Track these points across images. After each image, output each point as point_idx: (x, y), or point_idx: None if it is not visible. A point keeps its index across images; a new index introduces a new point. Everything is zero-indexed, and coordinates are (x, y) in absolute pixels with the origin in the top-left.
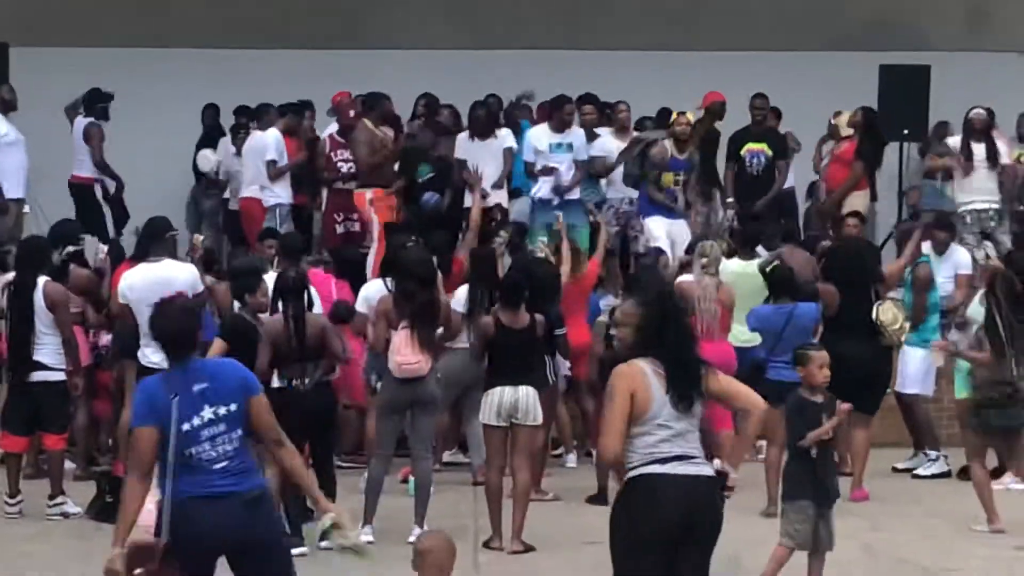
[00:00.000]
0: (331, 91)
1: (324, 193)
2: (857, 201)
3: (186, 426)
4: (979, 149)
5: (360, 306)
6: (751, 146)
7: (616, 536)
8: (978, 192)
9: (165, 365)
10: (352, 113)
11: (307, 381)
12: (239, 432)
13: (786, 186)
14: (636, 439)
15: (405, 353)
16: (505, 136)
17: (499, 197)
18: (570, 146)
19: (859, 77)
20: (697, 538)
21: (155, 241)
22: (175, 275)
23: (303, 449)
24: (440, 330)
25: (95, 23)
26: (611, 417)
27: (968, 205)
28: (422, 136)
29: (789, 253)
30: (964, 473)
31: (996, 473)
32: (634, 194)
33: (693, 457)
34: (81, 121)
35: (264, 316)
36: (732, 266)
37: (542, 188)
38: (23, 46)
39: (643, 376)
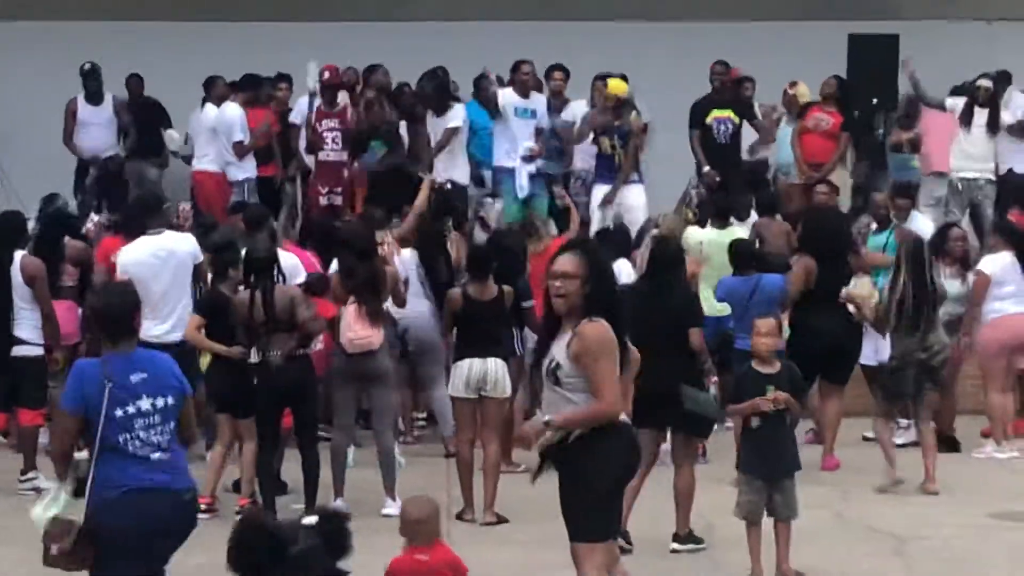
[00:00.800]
0: (301, 63)
1: (313, 164)
2: (836, 172)
3: (119, 412)
4: (981, 116)
5: None
6: (717, 113)
7: (605, 478)
8: (972, 159)
9: (167, 339)
10: (327, 75)
11: (278, 354)
12: (172, 425)
13: (759, 157)
14: None
15: (356, 328)
16: (452, 115)
17: (457, 174)
18: (534, 112)
19: (828, 46)
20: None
21: (151, 214)
22: (177, 246)
23: (279, 422)
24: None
25: None
26: (611, 376)
27: (959, 172)
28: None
29: (765, 224)
30: (944, 444)
31: (949, 443)
32: None
33: None
34: None
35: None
36: (706, 235)
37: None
38: None
39: (613, 337)
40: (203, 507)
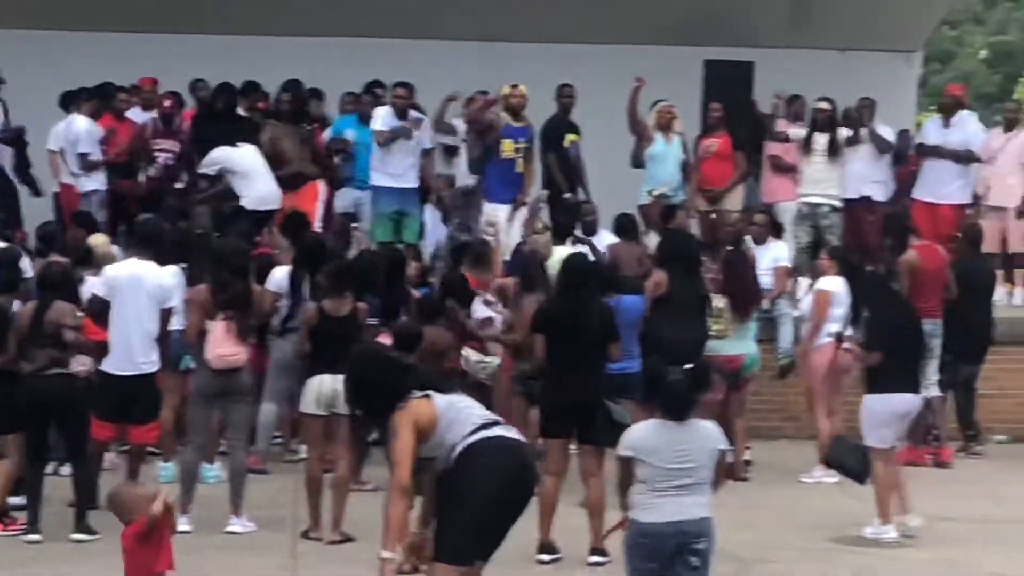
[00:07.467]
0: (178, 75)
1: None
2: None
3: None
4: (821, 141)
5: None
6: (571, 136)
7: (482, 497)
8: (815, 184)
9: None
10: (167, 104)
11: (34, 369)
12: None
13: None
14: None
15: (225, 345)
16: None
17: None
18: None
19: (684, 72)
20: None
21: None
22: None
23: (44, 438)
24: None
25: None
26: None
27: (805, 198)
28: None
29: (618, 247)
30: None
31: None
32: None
33: None
34: None
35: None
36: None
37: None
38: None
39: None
40: None
